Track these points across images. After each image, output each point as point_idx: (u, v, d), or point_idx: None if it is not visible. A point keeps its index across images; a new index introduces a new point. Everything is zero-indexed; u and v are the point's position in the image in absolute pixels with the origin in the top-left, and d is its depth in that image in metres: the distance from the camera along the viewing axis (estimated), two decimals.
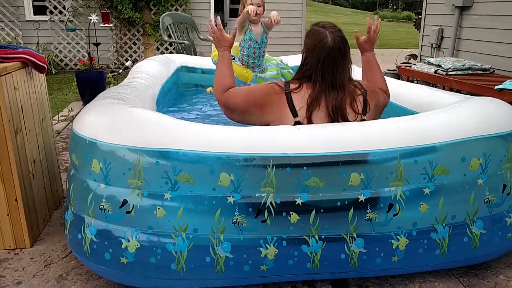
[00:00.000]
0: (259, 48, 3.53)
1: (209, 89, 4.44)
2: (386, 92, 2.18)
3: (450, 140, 1.70)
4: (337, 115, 1.87)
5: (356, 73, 3.65)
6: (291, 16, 9.30)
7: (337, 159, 1.64)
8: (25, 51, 2.18)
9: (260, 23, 3.51)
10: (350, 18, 35.66)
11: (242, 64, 3.58)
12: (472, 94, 4.49)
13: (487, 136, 1.77)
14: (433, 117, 1.84)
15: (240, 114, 2.02)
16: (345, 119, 1.88)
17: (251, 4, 3.36)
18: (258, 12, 3.39)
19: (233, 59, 3.58)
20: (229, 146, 1.63)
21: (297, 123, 1.86)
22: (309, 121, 1.86)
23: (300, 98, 1.88)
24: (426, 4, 6.94)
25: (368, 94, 1.97)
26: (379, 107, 2.05)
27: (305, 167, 1.62)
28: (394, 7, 45.60)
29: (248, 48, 3.52)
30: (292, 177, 1.62)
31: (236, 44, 3.58)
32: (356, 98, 1.92)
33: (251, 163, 1.61)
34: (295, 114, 1.87)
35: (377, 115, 2.03)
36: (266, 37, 3.53)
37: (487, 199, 1.76)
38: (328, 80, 1.86)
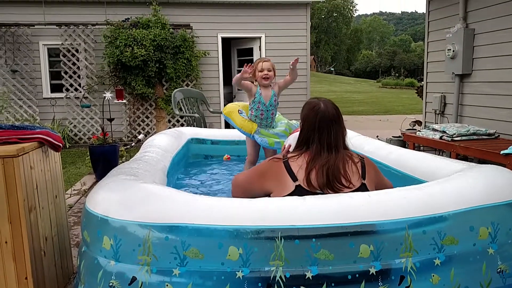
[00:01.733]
0: (267, 110, 3.63)
1: (225, 157, 4.53)
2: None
3: (457, 210, 1.71)
4: (332, 175, 1.94)
5: (351, 137, 3.77)
6: (296, 87, 9.65)
7: (345, 230, 1.64)
8: (42, 131, 2.29)
9: (270, 87, 3.64)
10: (353, 86, 36.76)
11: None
12: (478, 159, 4.52)
13: (494, 205, 1.78)
14: (439, 187, 1.86)
15: (242, 190, 2.16)
16: (339, 179, 1.95)
17: (261, 70, 3.53)
18: (268, 76, 3.54)
19: (241, 113, 3.76)
20: (237, 219, 1.65)
21: (297, 187, 1.93)
22: (308, 181, 1.93)
23: (298, 164, 1.98)
24: (427, 72, 7.20)
25: (366, 161, 2.08)
26: (379, 177, 2.12)
27: (313, 239, 1.62)
28: (397, 74, 47.16)
29: (257, 110, 3.63)
30: (301, 250, 1.62)
31: (247, 103, 3.79)
32: (354, 161, 2.02)
33: (259, 236, 1.62)
34: (294, 178, 1.95)
35: (379, 184, 2.08)
36: (275, 101, 3.65)
37: (499, 269, 1.73)
38: (324, 141, 1.99)
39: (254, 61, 9.66)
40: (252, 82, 3.66)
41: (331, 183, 1.93)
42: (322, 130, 2.00)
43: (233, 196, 2.23)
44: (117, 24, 8.62)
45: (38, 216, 2.15)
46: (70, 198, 4.41)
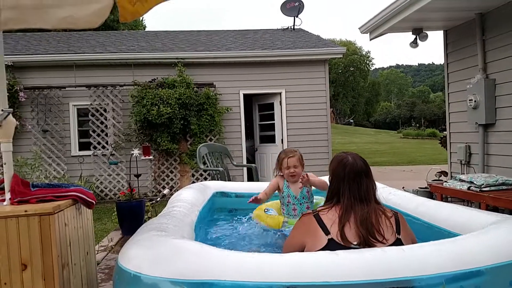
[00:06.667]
0: (300, 204, 3.17)
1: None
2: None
3: (494, 264, 1.65)
4: (366, 229, 1.91)
5: (382, 188, 3.69)
6: (318, 139, 9.75)
7: (381, 287, 1.60)
8: (76, 188, 2.37)
9: (299, 182, 3.13)
10: (374, 137, 36.69)
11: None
12: (510, 210, 4.38)
13: None
14: (475, 240, 1.81)
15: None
16: (373, 233, 1.91)
17: (288, 167, 3.12)
18: (295, 173, 3.13)
19: (267, 211, 3.39)
20: (270, 275, 1.63)
21: (330, 240, 1.90)
22: (342, 236, 1.90)
23: (330, 217, 1.97)
24: (450, 123, 7.18)
25: (400, 217, 2.04)
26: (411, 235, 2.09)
27: None
28: (417, 125, 46.98)
29: (287, 205, 3.21)
30: None
31: (277, 201, 3.41)
32: (387, 216, 1.99)
33: None
34: (326, 231, 1.93)
35: (412, 240, 2.04)
36: (308, 192, 3.20)
37: None
38: (355, 193, 2.00)
39: (274, 115, 9.88)
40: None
41: (365, 237, 1.90)
42: (352, 183, 2.01)
43: None
44: (144, 84, 9.02)
45: (71, 273, 2.17)
46: (97, 254, 4.43)
